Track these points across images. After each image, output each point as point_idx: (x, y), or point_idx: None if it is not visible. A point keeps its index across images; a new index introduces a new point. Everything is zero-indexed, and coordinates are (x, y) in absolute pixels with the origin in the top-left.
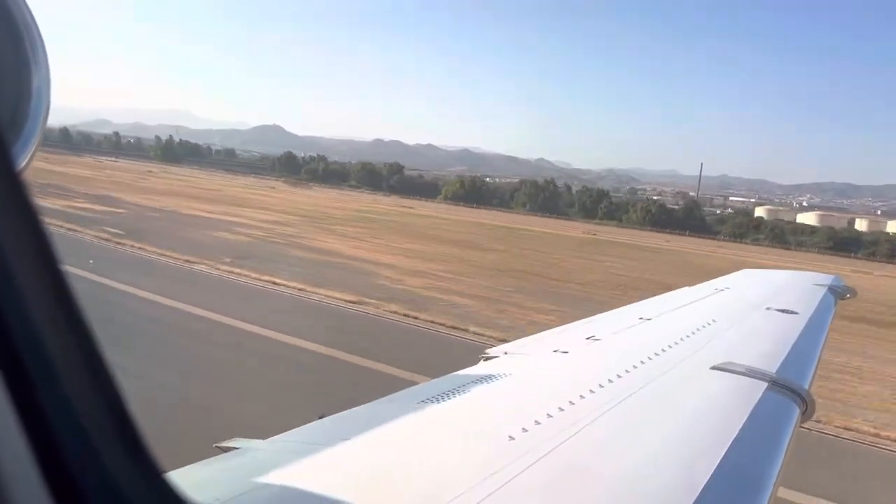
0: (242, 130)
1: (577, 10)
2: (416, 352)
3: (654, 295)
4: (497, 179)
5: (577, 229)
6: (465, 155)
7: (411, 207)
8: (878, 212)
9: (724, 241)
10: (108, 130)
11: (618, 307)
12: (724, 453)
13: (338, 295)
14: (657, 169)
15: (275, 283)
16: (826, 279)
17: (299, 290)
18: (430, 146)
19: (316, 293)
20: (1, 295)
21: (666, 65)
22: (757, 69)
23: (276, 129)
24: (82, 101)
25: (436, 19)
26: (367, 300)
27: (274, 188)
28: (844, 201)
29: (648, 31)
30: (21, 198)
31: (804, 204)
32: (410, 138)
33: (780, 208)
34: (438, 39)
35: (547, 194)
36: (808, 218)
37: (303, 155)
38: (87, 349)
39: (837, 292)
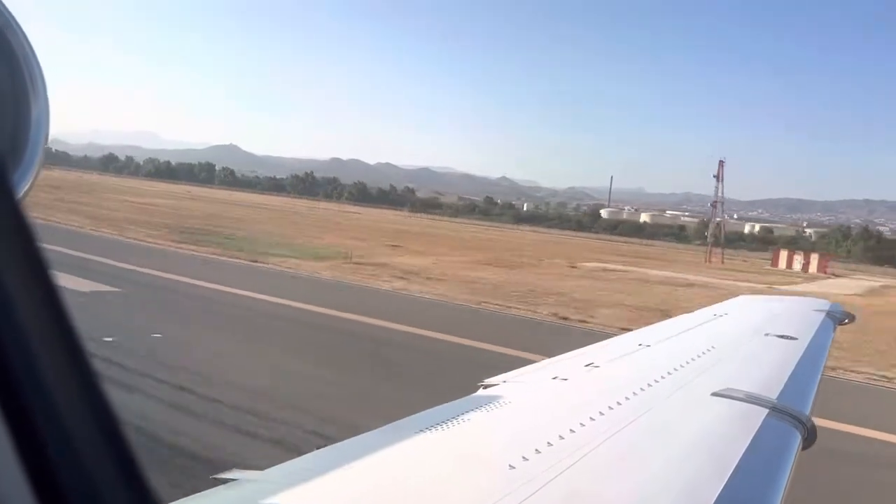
0: (198, 150)
1: (541, 30)
2: None
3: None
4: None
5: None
6: (424, 174)
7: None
8: (804, 223)
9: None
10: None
11: None
12: (725, 481)
13: None
14: (624, 187)
15: None
16: (824, 305)
17: None
18: (388, 164)
19: None
20: (6, 344)
21: (634, 84)
22: (718, 87)
23: (233, 149)
24: None
25: (394, 38)
26: None
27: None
28: (793, 215)
29: (613, 50)
30: (21, 226)
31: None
32: (370, 157)
33: (658, 213)
34: (397, 58)
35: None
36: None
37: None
38: (84, 379)
39: (836, 318)
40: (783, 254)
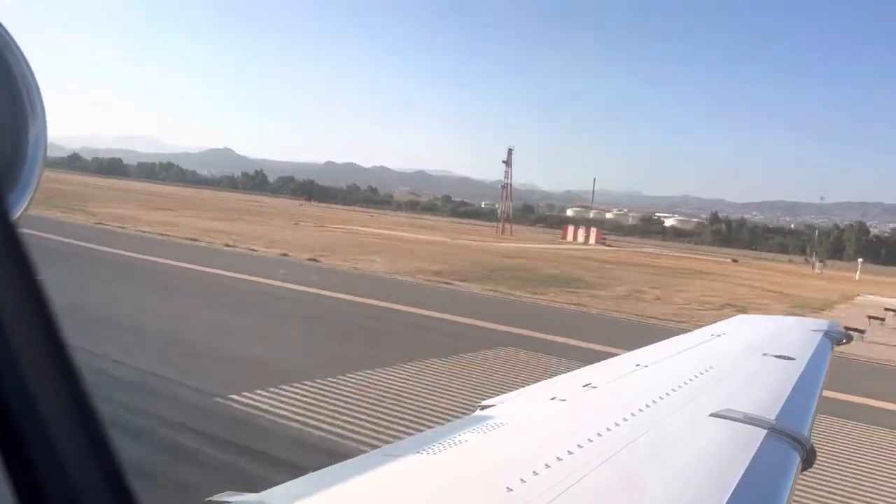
0: (193, 154)
1: (541, 32)
2: None
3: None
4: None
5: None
6: (419, 177)
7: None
8: (793, 224)
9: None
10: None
11: None
12: (725, 502)
13: None
14: (621, 190)
15: None
16: (822, 325)
17: None
18: (383, 168)
19: None
20: None
21: (632, 86)
22: (720, 91)
23: (227, 153)
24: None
25: (389, 41)
26: None
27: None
28: (788, 217)
29: (611, 52)
30: (16, 247)
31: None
32: (365, 160)
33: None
34: (394, 61)
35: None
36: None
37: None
38: (69, 383)
39: (834, 337)
40: (570, 228)
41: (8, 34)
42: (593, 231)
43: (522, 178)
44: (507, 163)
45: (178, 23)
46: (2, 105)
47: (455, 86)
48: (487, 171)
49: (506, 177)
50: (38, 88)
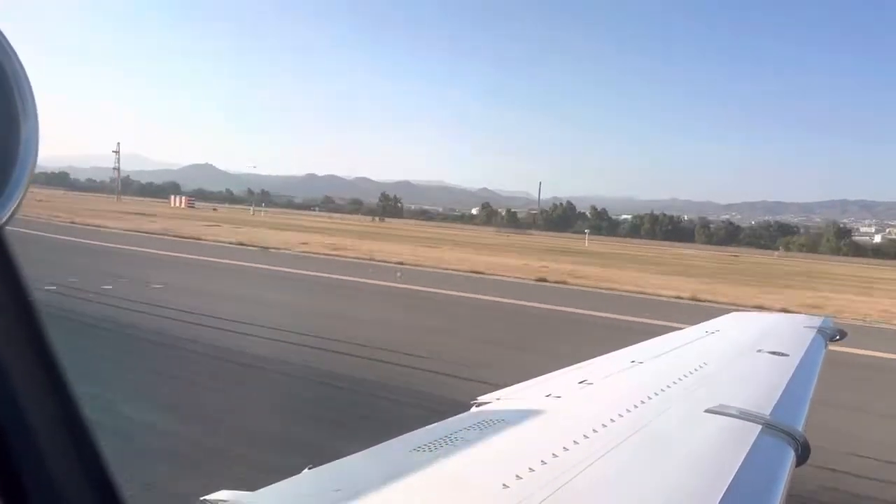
0: (174, 170)
1: (523, 38)
2: None
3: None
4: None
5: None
6: (402, 186)
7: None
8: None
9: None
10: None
11: None
12: (720, 498)
13: None
14: (615, 195)
15: None
16: (816, 321)
17: None
18: (365, 179)
19: None
20: None
21: (619, 88)
22: (707, 91)
23: (208, 168)
24: None
25: (369, 49)
26: None
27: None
28: (769, 217)
29: (597, 52)
30: (3, 256)
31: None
32: (346, 172)
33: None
34: (373, 70)
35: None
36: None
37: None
38: (52, 379)
39: (827, 334)
40: (174, 197)
41: None
42: (182, 199)
43: (512, 186)
44: (118, 153)
45: (155, 40)
46: None
47: (439, 92)
48: (471, 180)
49: (116, 165)
50: (30, 88)
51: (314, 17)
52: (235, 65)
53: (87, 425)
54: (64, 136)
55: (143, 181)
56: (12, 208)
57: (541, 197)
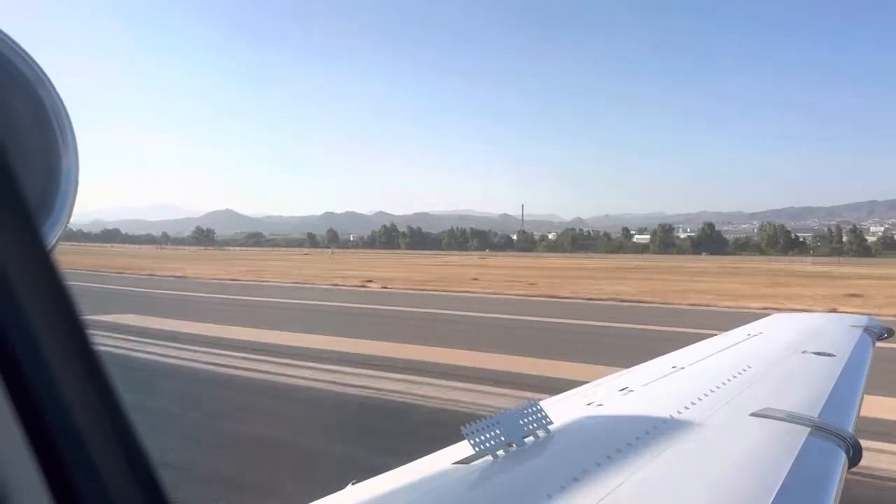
0: (195, 218)
1: (533, 60)
2: None
3: None
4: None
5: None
6: (421, 218)
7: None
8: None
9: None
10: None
11: None
12: (771, 502)
13: None
14: (643, 213)
15: None
16: (861, 320)
17: None
18: (383, 213)
19: None
20: (36, 378)
21: (644, 104)
22: (731, 96)
23: (229, 213)
24: None
25: (381, 79)
26: None
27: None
28: (794, 223)
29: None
30: (52, 276)
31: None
32: (365, 208)
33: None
34: (387, 106)
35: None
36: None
37: None
38: (119, 429)
39: (874, 332)
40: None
41: (40, 69)
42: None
43: (539, 210)
44: None
45: (178, 100)
46: (35, 137)
47: (454, 125)
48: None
49: None
50: (69, 121)
51: (325, 56)
52: (252, 110)
53: (134, 430)
54: (93, 191)
55: (170, 231)
56: (58, 234)
57: (566, 219)
